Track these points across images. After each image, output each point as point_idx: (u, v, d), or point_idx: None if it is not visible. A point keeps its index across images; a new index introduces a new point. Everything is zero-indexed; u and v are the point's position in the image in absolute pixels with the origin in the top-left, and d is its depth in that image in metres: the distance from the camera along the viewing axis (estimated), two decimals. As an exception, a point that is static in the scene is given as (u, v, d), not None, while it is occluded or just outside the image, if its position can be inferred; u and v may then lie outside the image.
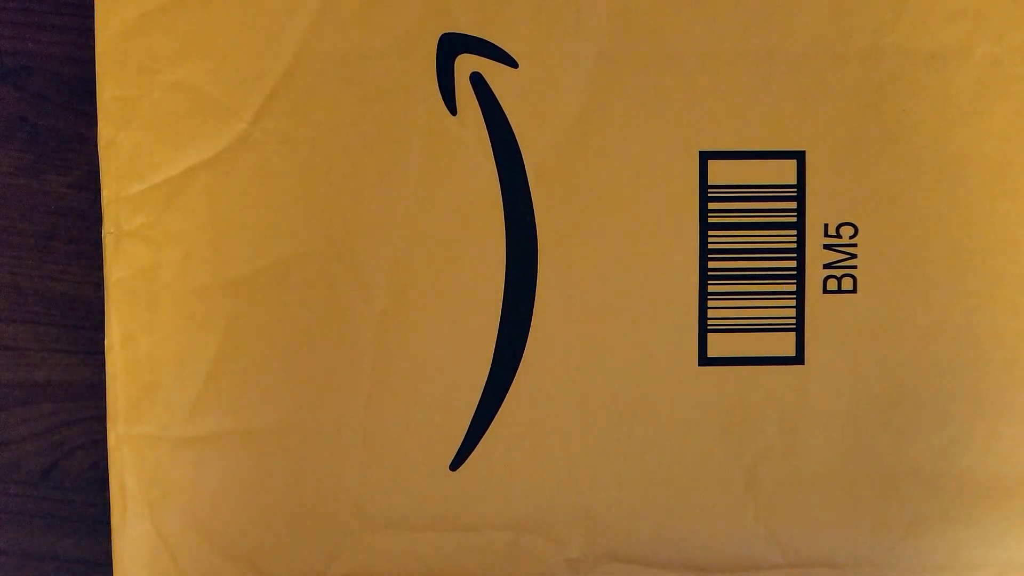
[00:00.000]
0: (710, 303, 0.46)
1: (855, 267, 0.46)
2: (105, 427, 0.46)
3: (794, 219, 0.46)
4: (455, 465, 0.46)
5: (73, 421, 0.48)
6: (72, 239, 0.48)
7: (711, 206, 0.46)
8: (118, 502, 0.46)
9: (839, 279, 0.46)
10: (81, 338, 0.48)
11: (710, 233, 0.46)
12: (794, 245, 0.46)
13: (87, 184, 0.47)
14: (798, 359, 0.46)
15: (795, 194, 0.46)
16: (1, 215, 0.48)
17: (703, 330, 0.46)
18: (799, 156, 0.46)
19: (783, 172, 0.46)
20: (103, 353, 0.45)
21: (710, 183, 0.46)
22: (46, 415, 0.48)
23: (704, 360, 0.46)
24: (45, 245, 0.47)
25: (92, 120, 0.45)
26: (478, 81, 0.45)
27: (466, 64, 0.45)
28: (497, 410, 0.46)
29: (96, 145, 0.44)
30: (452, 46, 0.45)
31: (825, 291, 0.46)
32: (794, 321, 0.46)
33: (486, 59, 0.45)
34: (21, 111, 0.47)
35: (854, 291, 0.46)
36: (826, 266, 0.46)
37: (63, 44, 0.47)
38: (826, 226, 0.46)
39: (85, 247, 0.47)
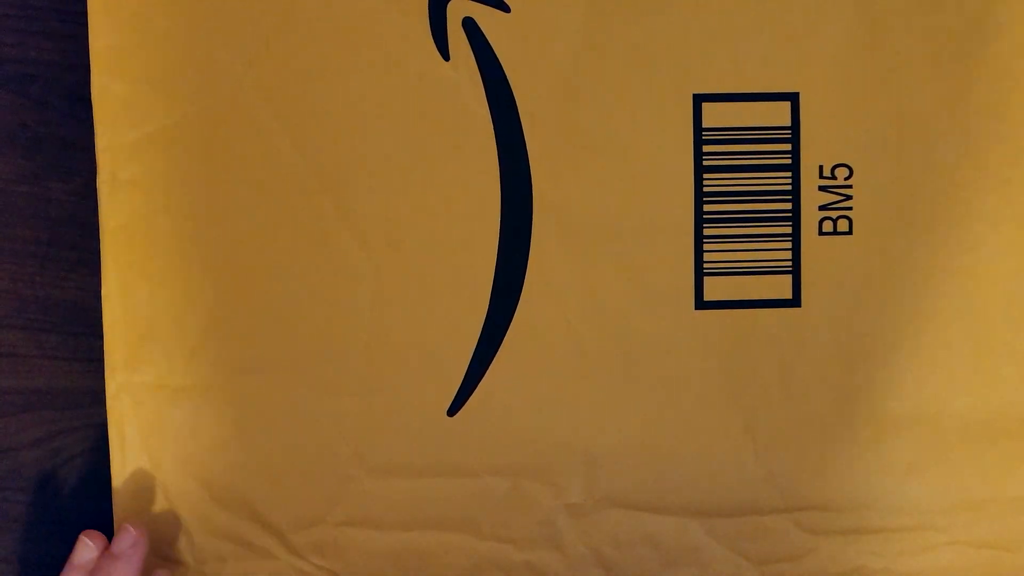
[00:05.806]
0: (706, 247, 0.46)
1: (850, 208, 0.46)
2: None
3: (789, 161, 0.46)
4: (452, 411, 0.46)
5: (73, 428, 0.48)
6: (73, 246, 0.47)
7: (706, 149, 0.46)
8: (117, 452, 0.46)
9: (835, 221, 0.46)
10: (81, 345, 0.48)
11: (705, 176, 0.46)
12: (789, 187, 0.46)
13: (88, 191, 0.46)
14: (795, 302, 0.46)
15: (790, 136, 0.46)
16: (2, 222, 0.47)
17: (699, 274, 0.46)
18: (793, 98, 0.46)
19: (777, 114, 0.46)
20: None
21: (704, 126, 0.46)
22: (46, 422, 0.48)
23: (701, 304, 0.46)
24: (46, 252, 0.47)
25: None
26: (471, 26, 0.45)
27: (458, 9, 0.45)
28: (494, 356, 0.46)
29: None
30: (444, -8, 0.45)
31: (821, 233, 0.46)
32: (790, 264, 0.46)
33: (478, 4, 0.45)
34: (23, 118, 0.47)
35: (850, 232, 0.46)
36: (821, 208, 0.46)
37: (65, 52, 0.47)
38: (821, 167, 0.46)
39: (86, 254, 0.47)
